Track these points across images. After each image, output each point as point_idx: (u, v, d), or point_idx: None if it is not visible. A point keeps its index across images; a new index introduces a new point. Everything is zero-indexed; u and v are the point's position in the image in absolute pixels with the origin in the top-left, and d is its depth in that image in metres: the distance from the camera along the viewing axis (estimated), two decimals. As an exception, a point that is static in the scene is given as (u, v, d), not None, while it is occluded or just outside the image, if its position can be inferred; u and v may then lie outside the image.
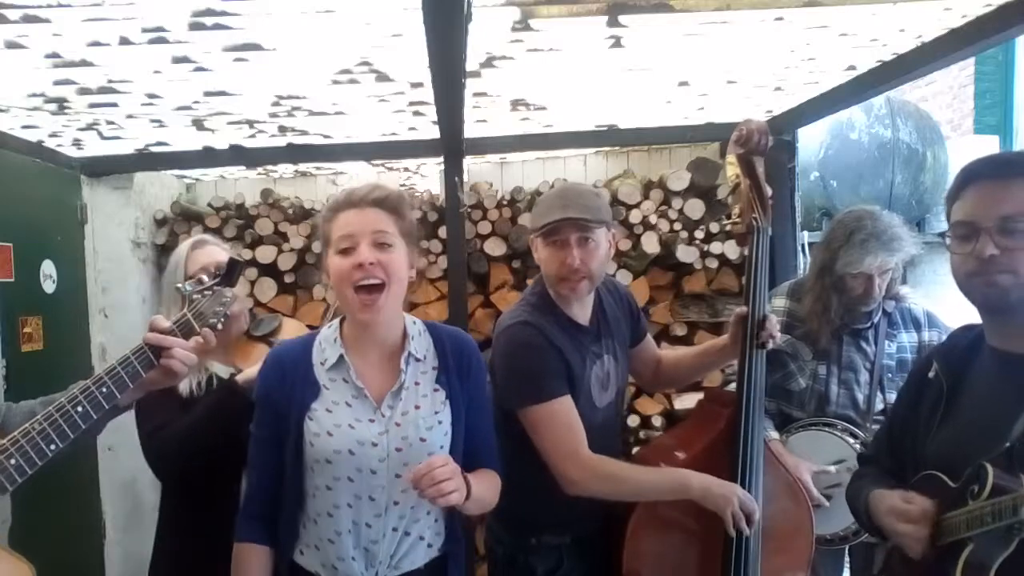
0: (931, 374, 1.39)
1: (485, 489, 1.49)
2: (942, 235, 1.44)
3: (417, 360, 1.50)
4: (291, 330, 1.98)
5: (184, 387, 1.71)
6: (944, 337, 1.76)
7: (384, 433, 1.42)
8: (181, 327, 1.37)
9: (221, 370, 1.80)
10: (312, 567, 1.44)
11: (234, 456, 1.66)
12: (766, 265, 1.86)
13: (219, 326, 1.45)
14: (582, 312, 1.84)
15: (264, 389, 1.49)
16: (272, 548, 1.47)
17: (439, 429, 1.45)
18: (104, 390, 1.21)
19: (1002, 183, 1.23)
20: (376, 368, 1.48)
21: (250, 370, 1.69)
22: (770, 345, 1.82)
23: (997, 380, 1.28)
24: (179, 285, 1.44)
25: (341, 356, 1.46)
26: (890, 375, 2.23)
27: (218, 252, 1.86)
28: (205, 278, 1.46)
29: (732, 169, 1.90)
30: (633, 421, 3.05)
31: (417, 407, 1.45)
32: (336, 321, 1.54)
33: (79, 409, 1.17)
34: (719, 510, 1.67)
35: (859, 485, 1.49)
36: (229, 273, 1.49)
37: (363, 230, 1.40)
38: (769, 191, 1.85)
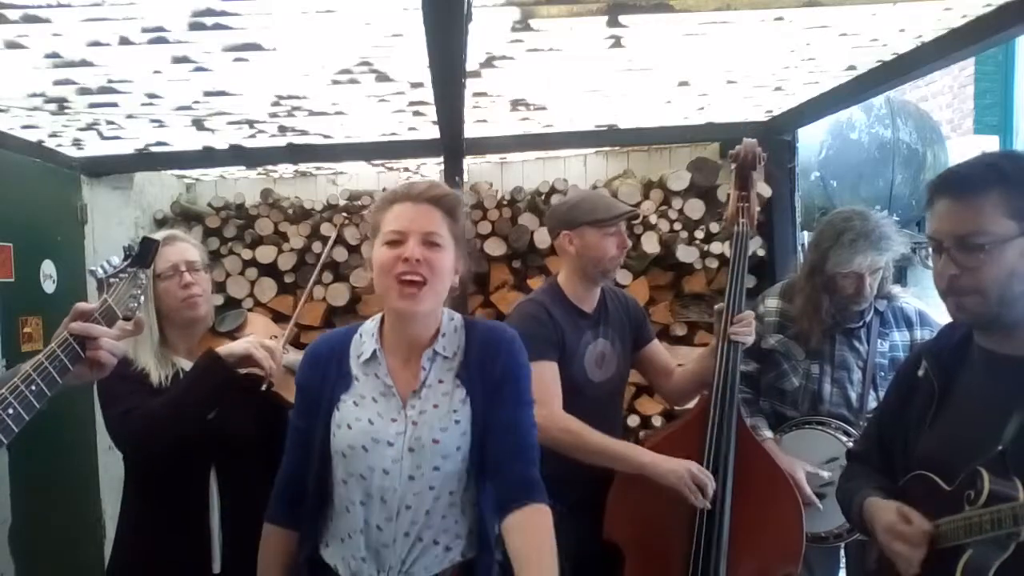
0: (920, 372, 1.38)
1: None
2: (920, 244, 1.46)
3: (445, 358, 1.44)
4: (258, 326, 1.94)
5: (155, 378, 1.69)
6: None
7: (402, 434, 1.38)
8: (104, 314, 1.26)
9: (187, 366, 1.76)
10: (333, 561, 1.43)
11: (207, 440, 1.65)
12: (745, 268, 2.05)
13: (139, 311, 1.35)
14: (588, 304, 2.10)
15: (300, 378, 1.50)
16: (298, 533, 1.47)
17: (455, 430, 1.39)
18: (34, 388, 1.14)
19: (960, 201, 1.21)
20: (405, 365, 1.45)
21: (232, 344, 1.67)
22: (744, 340, 1.99)
23: (987, 380, 1.28)
24: (92, 268, 1.33)
25: (375, 351, 1.45)
26: (882, 374, 2.23)
27: (189, 249, 1.81)
28: (116, 260, 1.35)
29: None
30: (633, 421, 3.04)
31: (435, 406, 1.40)
32: (379, 316, 1.51)
33: (11, 411, 1.10)
34: (672, 486, 1.82)
35: (850, 487, 1.48)
36: (143, 253, 1.36)
37: (415, 226, 1.37)
38: (768, 192, 1.90)
